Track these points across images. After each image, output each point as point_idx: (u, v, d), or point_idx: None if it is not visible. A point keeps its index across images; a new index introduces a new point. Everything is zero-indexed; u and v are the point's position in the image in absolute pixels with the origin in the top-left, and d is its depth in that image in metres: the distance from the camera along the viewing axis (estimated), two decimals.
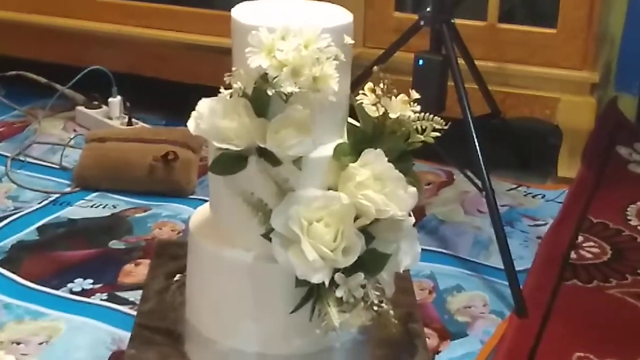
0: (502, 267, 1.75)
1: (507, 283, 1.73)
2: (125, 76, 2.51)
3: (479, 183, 1.84)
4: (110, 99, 2.48)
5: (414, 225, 1.41)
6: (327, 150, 1.35)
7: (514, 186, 2.25)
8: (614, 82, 2.59)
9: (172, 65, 2.54)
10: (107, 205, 2.09)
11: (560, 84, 2.24)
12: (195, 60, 2.49)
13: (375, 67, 1.38)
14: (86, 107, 2.54)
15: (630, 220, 2.07)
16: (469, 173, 1.92)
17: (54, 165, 2.29)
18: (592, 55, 2.22)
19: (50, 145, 2.40)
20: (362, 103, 1.38)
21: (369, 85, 1.38)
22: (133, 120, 2.45)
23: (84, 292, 1.73)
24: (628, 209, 2.12)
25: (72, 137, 2.42)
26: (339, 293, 1.31)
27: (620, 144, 2.47)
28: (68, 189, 2.17)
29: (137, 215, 2.04)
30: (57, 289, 1.74)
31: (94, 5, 2.59)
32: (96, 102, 2.54)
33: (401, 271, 1.41)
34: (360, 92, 1.39)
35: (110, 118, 2.48)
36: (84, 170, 2.19)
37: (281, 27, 1.28)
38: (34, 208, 2.06)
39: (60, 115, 2.60)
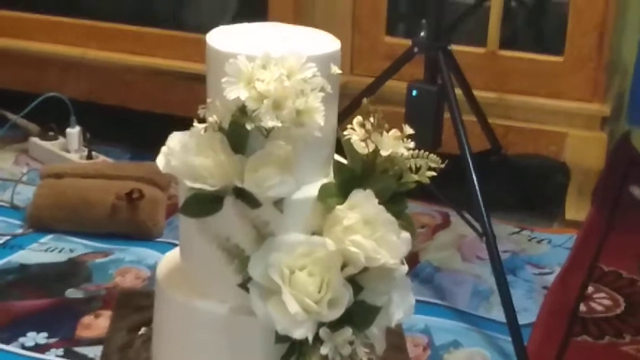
0: (504, 320, 1.75)
1: (509, 338, 1.73)
2: (85, 104, 2.51)
3: (478, 226, 1.85)
4: (68, 130, 2.48)
5: (406, 273, 1.42)
6: (311, 190, 1.36)
7: (517, 230, 2.27)
8: (626, 116, 2.63)
9: (138, 93, 2.55)
10: (63, 249, 2.08)
11: (567, 117, 2.27)
12: (164, 88, 2.51)
13: (364, 99, 1.39)
14: (41, 139, 2.54)
15: None
16: (467, 215, 1.94)
17: (4, 204, 2.28)
18: (603, 86, 2.26)
19: (0, 181, 2.40)
20: (350, 139, 1.39)
21: (358, 119, 1.39)
22: (93, 153, 2.45)
23: (37, 348, 1.72)
24: None
25: (25, 172, 2.42)
26: (324, 350, 1.31)
27: (634, 183, 2.49)
28: (20, 231, 2.16)
29: (97, 260, 2.04)
30: (8, 343, 1.73)
31: (50, 25, 2.60)
32: (52, 133, 2.54)
33: (393, 325, 1.41)
34: (349, 126, 1.40)
35: (67, 151, 2.48)
36: (38, 209, 2.18)
37: (262, 55, 1.29)
38: None
39: (12, 147, 2.59)
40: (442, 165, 1.40)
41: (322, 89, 1.30)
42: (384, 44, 2.36)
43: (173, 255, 1.52)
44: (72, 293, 1.91)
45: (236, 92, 1.27)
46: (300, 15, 2.32)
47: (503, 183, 2.36)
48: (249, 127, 1.28)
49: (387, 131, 1.38)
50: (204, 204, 1.34)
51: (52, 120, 2.53)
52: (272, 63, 1.29)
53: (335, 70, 1.35)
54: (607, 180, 2.41)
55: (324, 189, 1.37)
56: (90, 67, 2.56)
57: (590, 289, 2.00)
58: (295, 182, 1.32)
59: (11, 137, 2.58)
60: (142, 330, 1.70)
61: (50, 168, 2.32)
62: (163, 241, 2.13)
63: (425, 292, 1.95)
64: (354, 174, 1.38)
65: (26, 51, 2.60)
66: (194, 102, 1.35)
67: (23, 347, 1.72)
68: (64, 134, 2.50)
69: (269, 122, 1.27)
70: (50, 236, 2.13)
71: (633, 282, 2.03)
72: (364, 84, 2.15)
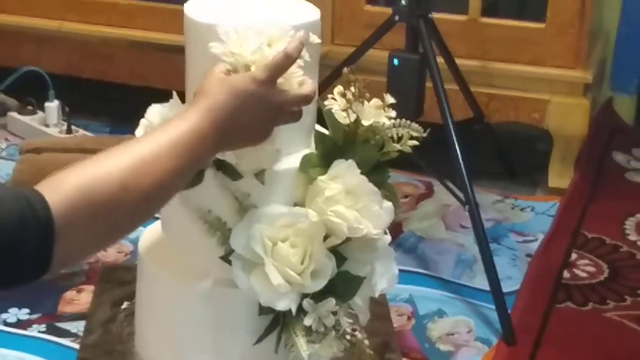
0: (488, 288, 1.76)
1: (493, 307, 1.75)
2: (64, 78, 2.50)
3: (462, 195, 1.86)
4: (46, 104, 2.47)
5: (390, 243, 1.43)
6: (292, 161, 1.36)
7: (500, 198, 2.28)
8: (609, 82, 2.63)
9: (117, 65, 2.53)
10: None
11: (549, 84, 2.27)
12: (142, 60, 2.49)
13: (345, 69, 1.39)
14: (19, 113, 2.53)
15: (628, 234, 2.11)
16: (450, 184, 1.94)
17: None
18: (585, 53, 2.26)
19: None
20: (331, 109, 1.39)
21: (339, 88, 1.39)
22: (73, 127, 2.44)
23: (19, 324, 1.72)
24: (626, 222, 2.16)
25: (3, 147, 2.41)
26: (307, 321, 1.32)
27: (616, 150, 2.50)
28: None
29: None
30: None
31: None
32: (31, 108, 2.53)
33: (376, 295, 1.42)
34: (329, 96, 1.40)
35: (47, 125, 2.47)
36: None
37: (241, 25, 1.28)
38: None
39: None
40: (425, 135, 1.40)
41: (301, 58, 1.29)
42: (364, 13, 2.35)
43: (154, 229, 1.53)
44: None
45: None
46: None
47: (486, 151, 2.36)
48: None
49: (369, 100, 1.38)
50: None
51: (30, 94, 2.52)
52: (251, 33, 1.28)
53: (315, 39, 1.35)
54: (590, 147, 2.42)
55: (305, 160, 1.37)
56: (67, 40, 2.54)
57: (573, 255, 2.01)
58: (276, 153, 1.32)
59: None
60: (125, 304, 1.70)
61: (29, 143, 2.30)
62: None
63: (409, 262, 1.96)
64: (336, 144, 1.38)
65: (2, 24, 2.57)
66: (172, 74, 1.35)
67: (5, 323, 1.72)
68: (42, 109, 2.48)
69: None
70: None
71: (616, 249, 2.05)
72: (345, 54, 2.14)
